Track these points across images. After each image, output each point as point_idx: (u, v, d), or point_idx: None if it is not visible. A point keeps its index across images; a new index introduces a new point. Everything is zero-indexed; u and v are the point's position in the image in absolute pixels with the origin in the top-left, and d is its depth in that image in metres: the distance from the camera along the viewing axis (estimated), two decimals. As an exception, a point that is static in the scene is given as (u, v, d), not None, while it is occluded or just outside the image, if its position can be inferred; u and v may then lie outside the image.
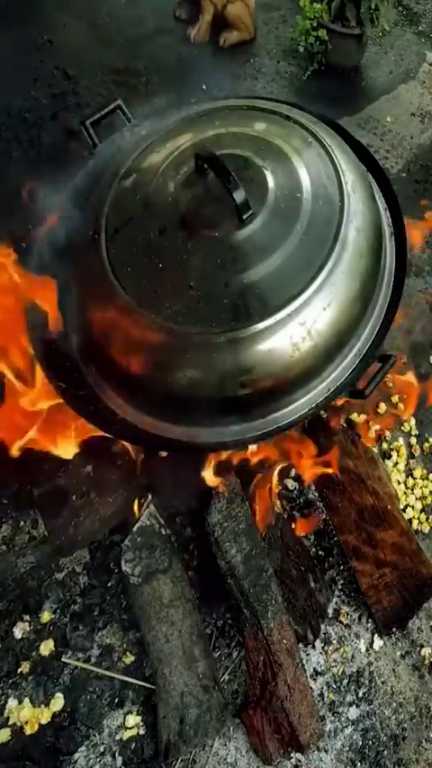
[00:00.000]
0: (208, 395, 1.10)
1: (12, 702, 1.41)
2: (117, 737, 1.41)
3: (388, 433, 1.88)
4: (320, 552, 1.67)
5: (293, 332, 1.09)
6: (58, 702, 1.41)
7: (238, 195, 1.12)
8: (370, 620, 1.59)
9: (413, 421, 1.90)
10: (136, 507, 1.47)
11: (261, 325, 1.08)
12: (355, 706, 1.50)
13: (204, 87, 2.58)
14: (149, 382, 1.13)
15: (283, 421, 1.16)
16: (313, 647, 1.54)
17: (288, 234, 1.15)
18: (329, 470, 1.46)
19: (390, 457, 1.84)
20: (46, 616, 1.51)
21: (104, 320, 1.17)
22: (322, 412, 1.41)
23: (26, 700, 1.41)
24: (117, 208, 1.24)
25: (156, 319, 1.10)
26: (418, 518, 1.76)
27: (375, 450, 1.80)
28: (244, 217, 1.14)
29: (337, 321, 1.14)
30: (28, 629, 1.50)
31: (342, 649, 1.55)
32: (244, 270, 1.12)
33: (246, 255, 1.13)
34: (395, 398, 1.93)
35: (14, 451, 1.29)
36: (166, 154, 1.28)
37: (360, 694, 1.51)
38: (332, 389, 1.18)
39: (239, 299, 1.10)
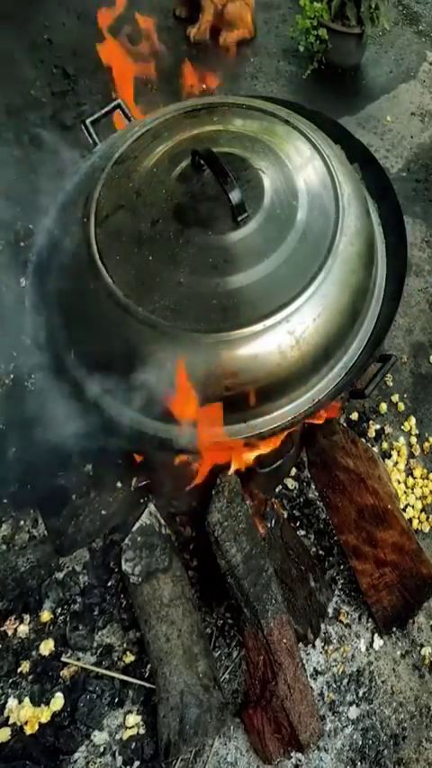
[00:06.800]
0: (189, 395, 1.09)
1: (12, 702, 1.41)
2: (117, 737, 1.41)
3: (388, 432, 1.88)
4: (320, 552, 1.67)
5: (282, 340, 1.09)
6: (58, 702, 1.41)
7: (235, 196, 1.11)
8: (370, 620, 1.59)
9: (413, 420, 1.90)
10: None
11: (249, 330, 1.07)
12: (355, 705, 1.50)
13: (204, 86, 2.57)
14: (129, 375, 1.11)
15: (264, 428, 1.16)
16: (313, 646, 1.54)
17: (282, 240, 1.15)
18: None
19: (390, 456, 1.84)
20: (46, 616, 1.51)
21: (89, 308, 1.15)
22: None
23: (26, 699, 1.41)
24: (108, 193, 1.21)
25: (143, 312, 1.08)
26: (418, 517, 1.76)
27: (375, 449, 1.80)
28: (239, 218, 1.13)
29: (325, 333, 1.14)
30: (28, 628, 1.50)
31: (342, 649, 1.55)
32: (235, 272, 1.11)
33: (238, 258, 1.12)
34: (395, 398, 1.94)
35: None
36: (162, 144, 1.27)
37: (360, 694, 1.51)
38: (317, 400, 1.18)
39: (229, 302, 1.09)
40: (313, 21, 2.48)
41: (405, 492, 1.79)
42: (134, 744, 1.40)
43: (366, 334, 1.26)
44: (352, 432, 1.53)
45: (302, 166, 1.23)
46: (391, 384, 1.97)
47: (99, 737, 1.40)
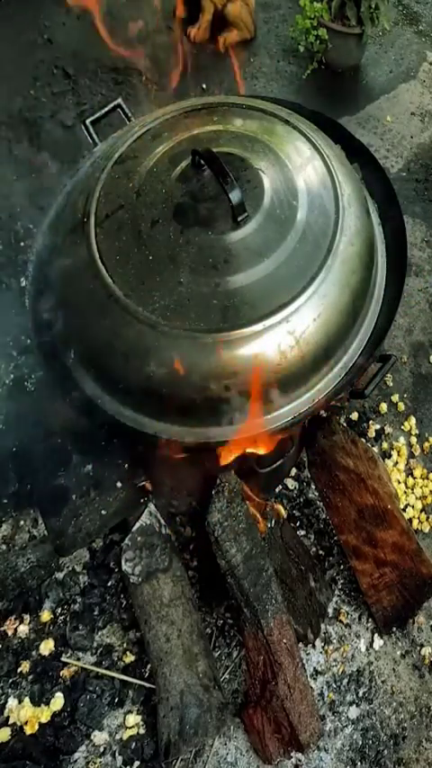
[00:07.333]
0: (189, 394, 1.09)
1: (12, 702, 1.41)
2: (117, 737, 1.41)
3: (388, 432, 1.88)
4: (320, 552, 1.67)
5: (282, 340, 1.09)
6: (58, 702, 1.41)
7: (235, 196, 1.11)
8: (370, 620, 1.59)
9: (413, 420, 1.90)
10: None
11: (249, 330, 1.07)
12: (355, 705, 1.50)
13: (204, 86, 2.57)
14: (130, 375, 1.11)
15: (264, 427, 1.16)
16: (313, 646, 1.54)
17: (282, 240, 1.15)
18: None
19: (390, 456, 1.84)
20: (46, 615, 1.51)
21: (88, 307, 1.15)
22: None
23: (26, 699, 1.41)
24: (108, 193, 1.21)
25: (143, 312, 1.09)
26: (418, 517, 1.76)
27: (375, 449, 1.80)
28: (239, 218, 1.13)
29: (325, 333, 1.14)
30: (28, 628, 1.50)
31: (342, 649, 1.55)
32: (235, 272, 1.11)
33: (238, 258, 1.12)
34: (395, 398, 1.94)
35: None
36: (162, 144, 1.27)
37: (360, 694, 1.51)
38: (316, 400, 1.18)
39: (229, 302, 1.09)
40: (313, 21, 2.48)
41: (405, 492, 1.79)
42: (134, 744, 1.40)
43: (366, 334, 1.26)
44: (352, 432, 1.53)
45: (302, 166, 1.23)
46: (391, 384, 1.97)
47: (99, 737, 1.40)
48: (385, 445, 1.86)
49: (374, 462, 1.47)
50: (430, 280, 2.20)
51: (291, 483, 1.75)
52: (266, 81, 2.66)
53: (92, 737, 1.40)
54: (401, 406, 1.92)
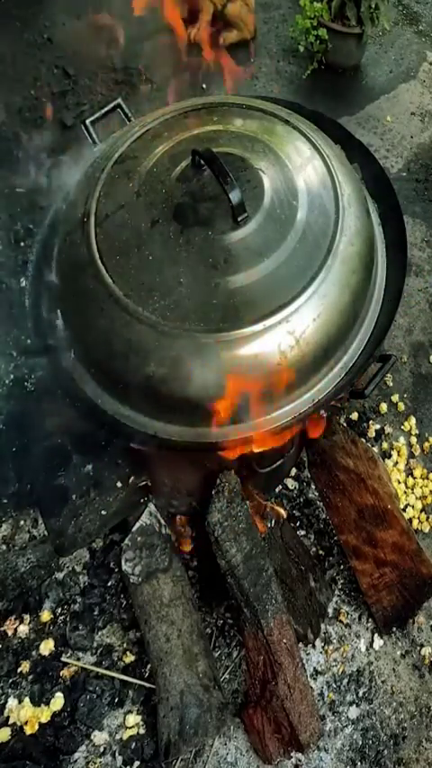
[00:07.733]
0: (189, 394, 1.09)
1: (12, 702, 1.41)
2: (117, 737, 1.41)
3: (388, 432, 1.88)
4: (320, 552, 1.67)
5: (282, 340, 1.09)
6: (58, 702, 1.41)
7: (235, 196, 1.11)
8: (370, 620, 1.59)
9: (413, 420, 1.90)
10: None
11: (249, 330, 1.07)
12: (355, 705, 1.50)
13: (204, 86, 2.57)
14: (130, 375, 1.11)
15: (264, 427, 1.16)
16: (313, 646, 1.54)
17: (281, 240, 1.15)
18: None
19: (390, 456, 1.84)
20: (46, 616, 1.51)
21: (89, 308, 1.15)
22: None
23: (26, 699, 1.41)
24: (108, 193, 1.22)
25: (143, 312, 1.09)
26: (418, 517, 1.76)
27: (375, 449, 1.80)
28: (239, 218, 1.13)
29: (325, 333, 1.14)
30: (28, 628, 1.50)
31: (342, 649, 1.55)
32: (235, 272, 1.11)
33: (238, 258, 1.12)
34: (395, 398, 1.94)
35: None
36: (162, 144, 1.27)
37: (360, 694, 1.51)
38: (316, 400, 1.18)
39: (229, 302, 1.09)
40: (313, 21, 2.48)
41: (405, 492, 1.79)
42: (134, 744, 1.40)
43: (366, 334, 1.26)
44: (352, 432, 1.53)
45: (302, 166, 1.23)
46: (391, 384, 1.97)
47: (99, 737, 1.40)
48: (385, 445, 1.86)
49: (374, 462, 1.47)
50: (430, 280, 2.20)
51: (291, 483, 1.75)
52: (266, 81, 2.66)
53: (92, 737, 1.40)
54: (401, 406, 1.92)
